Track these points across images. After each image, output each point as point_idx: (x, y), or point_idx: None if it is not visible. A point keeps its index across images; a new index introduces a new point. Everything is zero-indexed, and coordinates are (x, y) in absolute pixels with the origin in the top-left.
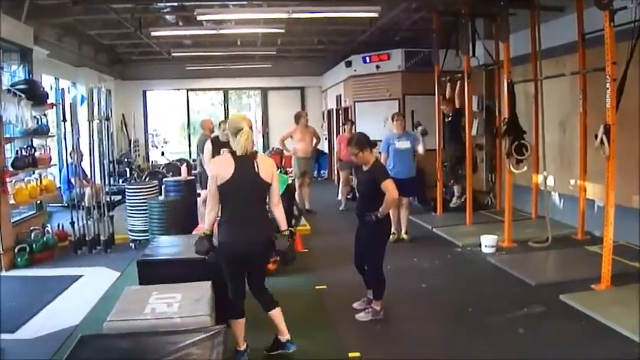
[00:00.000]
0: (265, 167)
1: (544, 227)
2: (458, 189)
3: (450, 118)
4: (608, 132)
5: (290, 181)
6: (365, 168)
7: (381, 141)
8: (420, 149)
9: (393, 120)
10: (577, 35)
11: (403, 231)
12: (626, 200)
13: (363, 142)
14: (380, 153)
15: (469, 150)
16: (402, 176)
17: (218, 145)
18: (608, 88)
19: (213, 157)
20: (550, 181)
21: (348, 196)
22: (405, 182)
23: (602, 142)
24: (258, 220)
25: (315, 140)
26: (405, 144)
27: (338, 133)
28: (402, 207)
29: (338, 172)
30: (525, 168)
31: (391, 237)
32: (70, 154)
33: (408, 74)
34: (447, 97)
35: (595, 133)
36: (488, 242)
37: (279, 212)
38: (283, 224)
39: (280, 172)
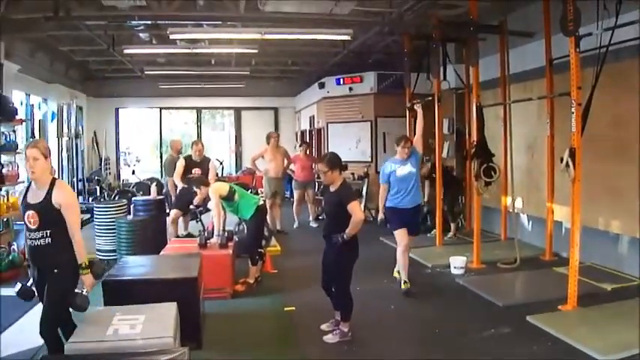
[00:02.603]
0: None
1: (512, 249)
2: (454, 226)
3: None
4: (574, 155)
5: (261, 202)
6: (332, 189)
7: (354, 162)
8: (418, 131)
9: (398, 145)
10: (545, 60)
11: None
12: (592, 222)
13: (334, 162)
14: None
15: (439, 172)
16: (408, 205)
17: (191, 165)
18: (573, 113)
19: (184, 175)
20: (518, 204)
21: (320, 217)
22: (411, 212)
23: (567, 165)
24: None
25: (286, 161)
26: (406, 168)
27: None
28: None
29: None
30: (494, 190)
31: (404, 286)
32: None
33: (380, 96)
34: None
35: (561, 156)
36: (457, 263)
37: None
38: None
39: (251, 192)
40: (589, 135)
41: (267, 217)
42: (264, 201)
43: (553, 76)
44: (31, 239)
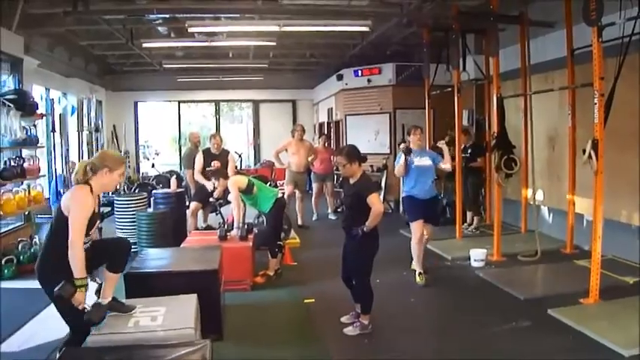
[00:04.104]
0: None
1: (533, 241)
2: (477, 220)
3: (468, 153)
4: (596, 147)
5: (280, 195)
6: (352, 181)
7: (373, 154)
8: (447, 166)
9: (409, 134)
10: (566, 51)
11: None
12: (614, 214)
13: (352, 155)
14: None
15: (459, 164)
16: (423, 196)
17: (209, 158)
18: (596, 104)
19: (203, 169)
20: (539, 196)
21: (339, 209)
22: (427, 203)
23: (590, 156)
24: None
25: (312, 156)
26: (425, 161)
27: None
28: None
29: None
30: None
31: (419, 278)
32: (68, 165)
33: (398, 88)
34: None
35: (583, 148)
36: (477, 256)
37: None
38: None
39: (270, 185)
40: (611, 127)
41: (296, 207)
42: (283, 194)
43: (574, 66)
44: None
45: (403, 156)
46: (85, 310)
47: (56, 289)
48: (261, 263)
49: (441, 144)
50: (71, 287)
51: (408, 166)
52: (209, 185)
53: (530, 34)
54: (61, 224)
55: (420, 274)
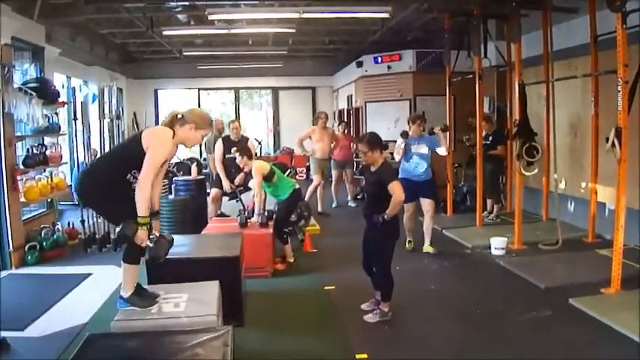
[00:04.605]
0: None
1: (554, 230)
2: (498, 208)
3: (489, 140)
4: (620, 135)
5: (298, 187)
6: (373, 169)
7: (393, 142)
8: (443, 150)
9: (414, 123)
10: (589, 37)
11: (427, 242)
12: (637, 203)
13: (374, 142)
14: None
15: (479, 151)
16: (417, 179)
17: (229, 145)
18: (619, 91)
19: (224, 156)
20: (561, 184)
21: (358, 196)
22: (421, 184)
23: (613, 145)
24: None
25: (334, 143)
26: (422, 148)
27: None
28: (427, 214)
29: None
30: (536, 170)
31: (407, 245)
32: (90, 152)
33: (419, 75)
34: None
35: (606, 136)
36: (497, 244)
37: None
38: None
39: (290, 173)
40: (634, 114)
41: (317, 194)
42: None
43: (598, 53)
44: None
45: (401, 139)
46: (148, 247)
47: (119, 228)
48: (281, 250)
49: (437, 130)
50: (134, 226)
51: (406, 151)
52: (226, 185)
53: (552, 19)
54: (132, 152)
55: (409, 241)
